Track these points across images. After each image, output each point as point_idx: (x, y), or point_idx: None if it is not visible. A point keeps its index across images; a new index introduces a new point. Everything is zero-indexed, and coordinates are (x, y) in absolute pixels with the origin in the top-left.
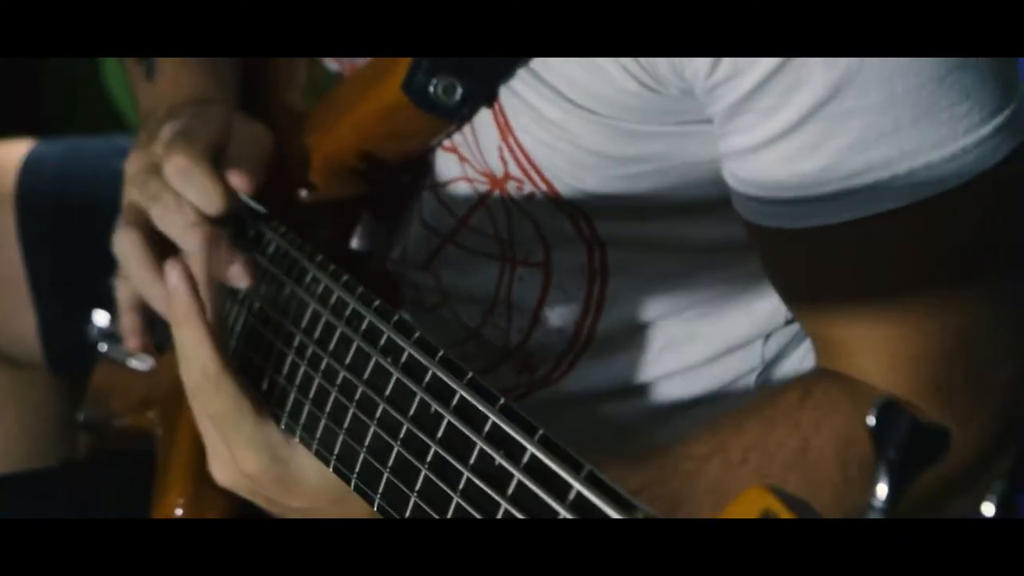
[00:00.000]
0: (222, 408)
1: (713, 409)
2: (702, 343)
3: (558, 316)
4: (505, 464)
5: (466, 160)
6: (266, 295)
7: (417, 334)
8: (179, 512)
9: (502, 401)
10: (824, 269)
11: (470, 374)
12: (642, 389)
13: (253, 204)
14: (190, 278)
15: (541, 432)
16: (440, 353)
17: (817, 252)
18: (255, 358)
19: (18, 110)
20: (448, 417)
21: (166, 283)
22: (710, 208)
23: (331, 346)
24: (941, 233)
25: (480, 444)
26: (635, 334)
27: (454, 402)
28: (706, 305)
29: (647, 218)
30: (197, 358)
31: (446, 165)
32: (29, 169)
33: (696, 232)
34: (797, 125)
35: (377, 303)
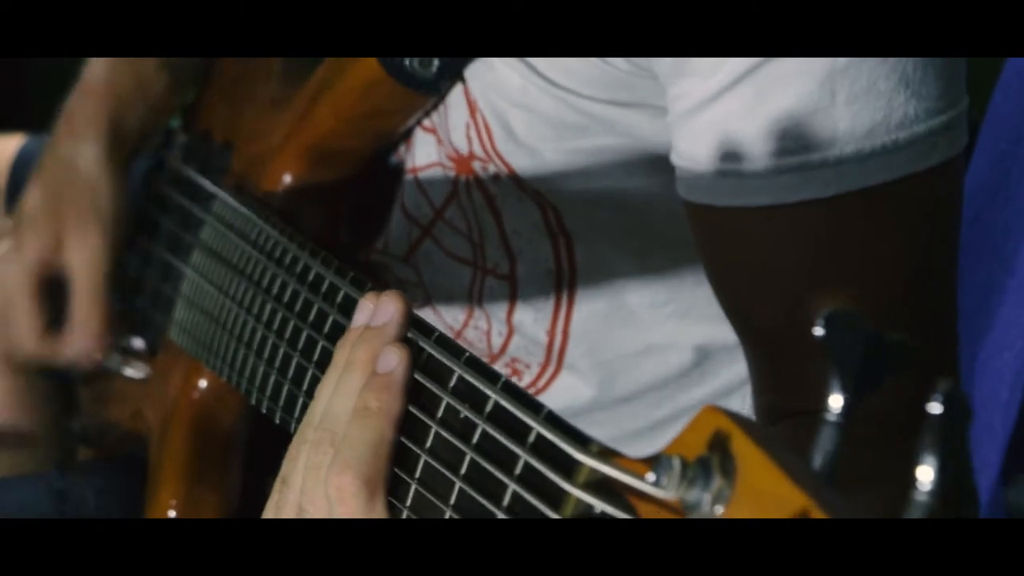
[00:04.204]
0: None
1: None
2: (683, 347)
3: (529, 327)
4: (511, 445)
5: (442, 142)
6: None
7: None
8: (172, 513)
9: (503, 379)
10: (743, 250)
11: (467, 353)
12: (628, 401)
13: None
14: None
15: (547, 410)
16: (436, 333)
17: (738, 232)
18: (235, 338)
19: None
20: (447, 399)
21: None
22: (674, 203)
23: (315, 324)
24: (858, 231)
25: (481, 425)
26: (610, 340)
27: (452, 382)
28: (685, 306)
29: (612, 210)
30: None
31: (425, 147)
32: (20, 165)
33: (664, 229)
34: (733, 84)
35: (369, 286)
